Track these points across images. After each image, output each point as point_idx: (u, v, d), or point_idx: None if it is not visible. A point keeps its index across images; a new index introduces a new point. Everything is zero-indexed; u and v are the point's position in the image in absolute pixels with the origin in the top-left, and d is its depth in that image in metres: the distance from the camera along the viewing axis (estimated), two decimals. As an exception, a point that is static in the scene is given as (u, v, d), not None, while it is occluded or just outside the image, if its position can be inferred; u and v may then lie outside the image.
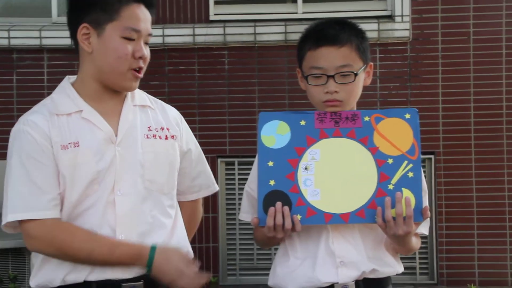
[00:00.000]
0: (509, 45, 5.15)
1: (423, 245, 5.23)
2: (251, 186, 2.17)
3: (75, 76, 2.14)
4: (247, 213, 2.19)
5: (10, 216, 1.98)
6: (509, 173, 5.13)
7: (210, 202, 5.10)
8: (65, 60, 5.17)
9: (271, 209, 1.96)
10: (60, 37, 5.12)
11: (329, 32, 2.09)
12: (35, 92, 5.15)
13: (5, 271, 4.77)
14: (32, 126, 2.00)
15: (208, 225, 5.16)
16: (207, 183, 2.34)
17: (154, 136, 2.11)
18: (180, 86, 5.25)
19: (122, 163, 2.02)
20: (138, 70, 2.05)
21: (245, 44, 5.24)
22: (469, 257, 5.14)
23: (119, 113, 2.08)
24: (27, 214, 1.97)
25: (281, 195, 2.00)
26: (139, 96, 2.17)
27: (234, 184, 5.29)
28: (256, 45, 5.24)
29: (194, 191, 2.31)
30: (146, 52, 2.06)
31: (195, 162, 2.27)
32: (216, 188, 2.37)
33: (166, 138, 2.13)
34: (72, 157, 1.99)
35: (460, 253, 5.15)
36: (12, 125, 2.07)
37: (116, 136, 2.04)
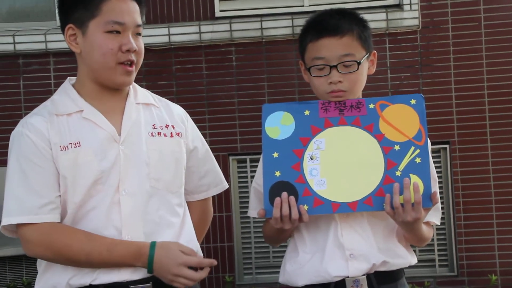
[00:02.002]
0: (521, 29, 5.15)
1: (442, 237, 5.23)
2: (258, 182, 2.17)
3: (75, 77, 2.15)
4: (255, 209, 2.19)
5: (5, 220, 1.97)
6: (527, 160, 5.13)
7: (223, 201, 5.13)
8: (72, 64, 5.17)
9: (277, 199, 1.98)
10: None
11: (329, 22, 2.10)
12: (42, 97, 5.15)
13: (19, 278, 4.83)
14: (31, 129, 2.00)
15: (222, 224, 5.19)
16: (215, 181, 2.33)
17: (159, 134, 2.10)
18: (188, 85, 5.29)
19: (126, 162, 2.02)
20: (130, 64, 2.04)
21: (252, 40, 5.26)
22: (489, 247, 5.14)
23: (122, 112, 2.08)
24: (22, 218, 1.96)
25: (287, 186, 2.01)
26: (142, 94, 2.17)
27: (247, 181, 5.31)
28: (264, 40, 5.27)
29: (203, 190, 2.31)
30: (137, 44, 2.05)
31: (202, 160, 2.27)
32: (225, 186, 2.36)
33: (172, 136, 2.13)
34: (73, 157, 1.98)
35: (479, 243, 5.14)
36: (21, 131, 2.07)
37: (119, 134, 2.04)
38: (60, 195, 1.99)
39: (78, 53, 2.05)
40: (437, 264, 5.24)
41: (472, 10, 5.17)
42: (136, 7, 2.07)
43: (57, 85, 5.21)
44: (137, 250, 1.98)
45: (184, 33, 5.24)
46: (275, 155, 2.06)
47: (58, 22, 5.85)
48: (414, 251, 2.23)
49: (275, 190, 2.01)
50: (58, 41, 5.22)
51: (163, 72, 5.23)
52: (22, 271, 4.81)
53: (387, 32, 5.18)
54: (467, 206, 5.15)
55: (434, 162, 5.12)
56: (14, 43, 5.28)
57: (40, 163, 1.98)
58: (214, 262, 2.06)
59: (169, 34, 5.19)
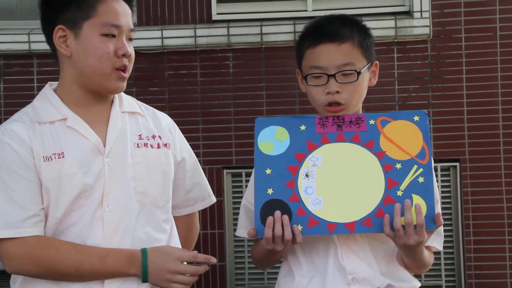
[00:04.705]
0: (539, 41, 5.17)
1: (450, 261, 5.23)
2: (249, 199, 2.20)
3: (57, 82, 2.16)
4: (245, 228, 2.21)
5: None
6: (543, 180, 5.13)
7: (216, 217, 5.13)
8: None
9: (270, 218, 2.00)
10: (51, 41, 5.20)
11: (328, 28, 2.13)
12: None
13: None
14: (12, 136, 2.00)
15: (214, 242, 5.19)
16: (202, 195, 2.36)
17: (145, 144, 2.13)
18: (181, 92, 5.30)
19: (111, 175, 2.04)
20: (123, 69, 2.07)
21: (251, 45, 5.28)
22: (501, 274, 5.13)
23: (107, 121, 2.10)
24: (5, 232, 1.96)
25: (280, 205, 2.04)
26: (128, 102, 2.19)
27: (241, 197, 5.27)
28: (263, 46, 5.29)
29: (189, 205, 2.34)
30: (130, 49, 2.08)
31: (189, 173, 2.29)
32: (212, 200, 2.40)
33: (159, 147, 2.15)
34: (57, 169, 1.99)
35: (490, 269, 5.14)
36: (0, 138, 2.06)
37: (104, 146, 2.06)
38: (43, 208, 2.00)
39: (68, 57, 2.06)
40: (444, 290, 5.26)
41: (487, 19, 5.19)
42: (128, 9, 2.11)
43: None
44: (130, 255, 2.01)
45: (178, 36, 5.25)
46: (268, 171, 2.08)
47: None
48: (419, 276, 2.25)
49: (267, 208, 2.03)
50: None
51: (154, 77, 5.25)
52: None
53: (395, 40, 5.20)
54: (477, 229, 5.14)
55: (443, 181, 5.21)
56: (-5, 42, 5.29)
57: (23, 173, 1.98)
58: (212, 258, 2.10)
59: (162, 37, 5.21)
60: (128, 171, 2.07)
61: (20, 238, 1.97)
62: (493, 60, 5.17)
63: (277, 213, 2.01)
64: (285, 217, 2.00)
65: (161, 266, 2.00)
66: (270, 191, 2.06)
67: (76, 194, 2.00)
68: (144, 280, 2.01)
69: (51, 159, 2.00)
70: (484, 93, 5.16)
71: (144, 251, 2.01)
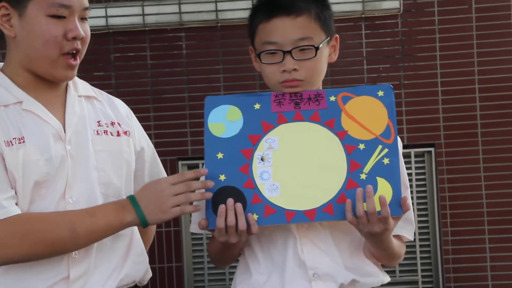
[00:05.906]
0: (517, 14, 5.23)
1: (426, 255, 5.28)
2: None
3: (1, 64, 2.12)
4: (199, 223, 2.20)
5: None
6: (524, 165, 5.21)
7: (171, 213, 5.12)
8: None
9: (222, 206, 1.98)
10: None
11: (283, 0, 2.13)
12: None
13: None
14: None
15: (169, 240, 5.18)
16: None
17: (106, 132, 2.12)
18: (130, 77, 5.27)
19: (74, 164, 2.03)
20: (74, 54, 2.04)
21: (205, 24, 5.28)
22: (480, 267, 5.20)
23: (63, 105, 2.09)
24: None
25: (233, 192, 2.03)
26: (82, 86, 2.17)
27: (198, 191, 5.30)
28: (219, 24, 5.28)
29: None
30: (84, 30, 2.05)
31: (148, 163, 2.29)
32: None
33: (118, 135, 2.15)
34: (20, 154, 1.97)
35: (470, 262, 5.20)
36: None
37: (64, 132, 2.04)
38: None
39: (12, 37, 2.03)
40: (421, 286, 5.28)
41: (461, -9, 5.24)
42: None
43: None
44: (118, 204, 2.01)
45: (124, 14, 5.23)
46: (220, 156, 2.07)
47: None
48: (394, 271, 2.25)
49: (219, 196, 2.02)
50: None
51: (99, 61, 5.21)
52: None
53: (363, 16, 5.23)
54: (455, 219, 5.20)
55: (417, 168, 5.25)
56: None
57: None
58: (202, 170, 2.05)
59: (106, 16, 5.19)
60: (90, 160, 2.06)
61: (3, 220, 1.92)
62: (469, 36, 5.22)
63: (230, 200, 1.99)
64: (238, 205, 1.99)
65: (154, 196, 1.98)
66: (222, 177, 2.04)
67: (38, 183, 1.98)
68: (144, 223, 1.99)
69: (12, 144, 1.97)
70: (459, 72, 5.21)
71: (131, 196, 2.01)
